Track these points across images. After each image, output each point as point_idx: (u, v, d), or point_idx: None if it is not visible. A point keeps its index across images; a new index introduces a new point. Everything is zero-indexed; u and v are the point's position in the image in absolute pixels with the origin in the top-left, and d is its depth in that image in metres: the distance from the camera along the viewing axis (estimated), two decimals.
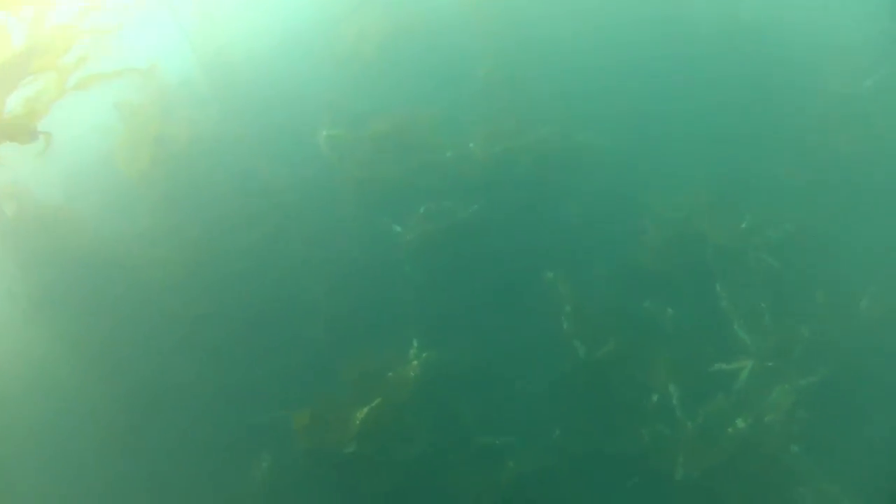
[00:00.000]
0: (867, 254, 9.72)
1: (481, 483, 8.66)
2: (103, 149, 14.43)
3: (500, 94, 12.98)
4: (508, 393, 9.41)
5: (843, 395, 8.65)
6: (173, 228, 12.46)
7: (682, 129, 11.43)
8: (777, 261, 9.68)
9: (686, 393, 8.82)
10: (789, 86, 11.93)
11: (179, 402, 10.01)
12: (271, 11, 16.58)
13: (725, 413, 8.66)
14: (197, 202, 12.88)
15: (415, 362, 9.73)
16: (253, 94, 14.74)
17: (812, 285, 9.48)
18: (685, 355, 9.09)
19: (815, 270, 9.64)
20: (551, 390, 9.30)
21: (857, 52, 12.19)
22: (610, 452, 8.63)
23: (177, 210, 12.85)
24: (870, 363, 8.88)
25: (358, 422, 9.16)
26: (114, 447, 9.79)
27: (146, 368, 10.57)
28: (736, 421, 8.57)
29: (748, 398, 8.71)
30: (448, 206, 11.65)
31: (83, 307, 11.82)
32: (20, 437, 10.38)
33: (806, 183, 10.61)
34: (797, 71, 12.13)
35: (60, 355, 11.40)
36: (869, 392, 8.73)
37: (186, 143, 13.98)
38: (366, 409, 9.22)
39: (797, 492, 8.16)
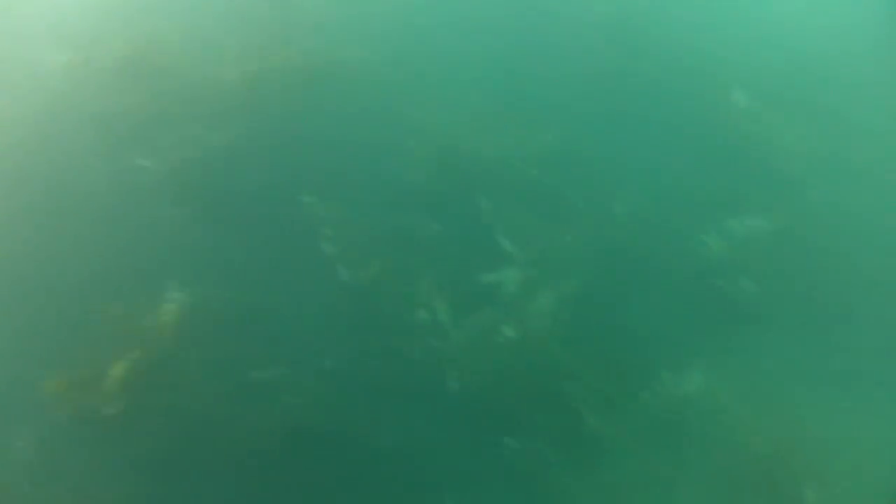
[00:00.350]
0: (621, 163, 9.99)
1: (257, 423, 7.63)
2: None
3: (254, 4, 11.71)
4: (273, 327, 8.41)
5: (603, 296, 8.75)
6: None
7: (446, 44, 11.03)
8: (539, 171, 9.61)
9: (453, 307, 8.44)
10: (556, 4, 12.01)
11: None
12: None
13: (493, 323, 8.39)
14: None
15: (172, 306, 8.37)
16: None
17: (573, 191, 9.51)
18: (451, 270, 8.70)
19: (576, 180, 9.71)
20: (318, 319, 8.45)
21: None
22: (382, 373, 8.01)
23: None
24: (626, 264, 9.10)
25: (118, 378, 7.66)
26: None
27: None
28: (503, 329, 8.32)
29: (514, 306, 8.52)
30: (199, 135, 10.24)
31: None
32: None
33: (569, 97, 10.71)
34: None
35: None
36: (626, 291, 8.95)
37: None
38: (125, 363, 7.75)
39: (565, 387, 8.12)
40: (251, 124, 10.27)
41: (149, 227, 9.31)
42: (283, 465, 7.18)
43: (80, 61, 11.02)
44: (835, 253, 9.70)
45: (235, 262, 8.94)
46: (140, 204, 9.52)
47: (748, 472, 7.75)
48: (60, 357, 7.90)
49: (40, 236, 9.05)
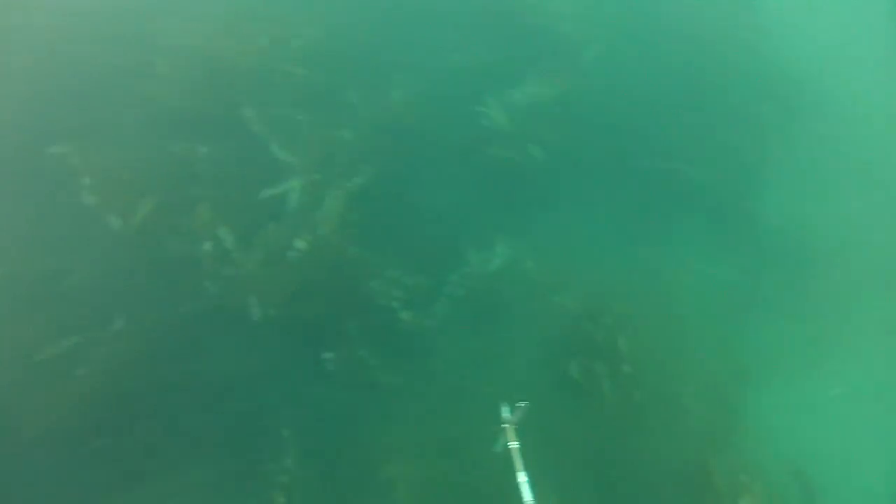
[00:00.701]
0: (394, 49, 9.64)
1: (54, 405, 7.16)
2: None
3: None
4: (52, 298, 7.76)
5: (391, 188, 8.68)
6: None
7: None
8: (305, 69, 9.09)
9: (239, 231, 8.11)
10: None
11: None
12: None
13: (284, 238, 8.18)
14: None
15: None
16: None
17: (344, 85, 9.13)
18: (228, 192, 8.27)
19: (346, 72, 9.28)
20: (98, 278, 7.88)
21: None
22: (178, 319, 7.68)
23: None
24: (410, 152, 9.01)
25: None
26: None
27: None
28: (295, 243, 8.14)
29: (302, 217, 8.31)
30: None
31: None
32: None
33: None
34: None
35: None
36: (416, 178, 8.92)
37: None
38: None
39: (372, 287, 8.16)
40: None
41: None
42: (85, 443, 6.85)
43: None
44: (615, 112, 10.02)
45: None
46: None
47: (566, 330, 8.22)
48: None
49: None
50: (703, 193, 9.68)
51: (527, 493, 5.58)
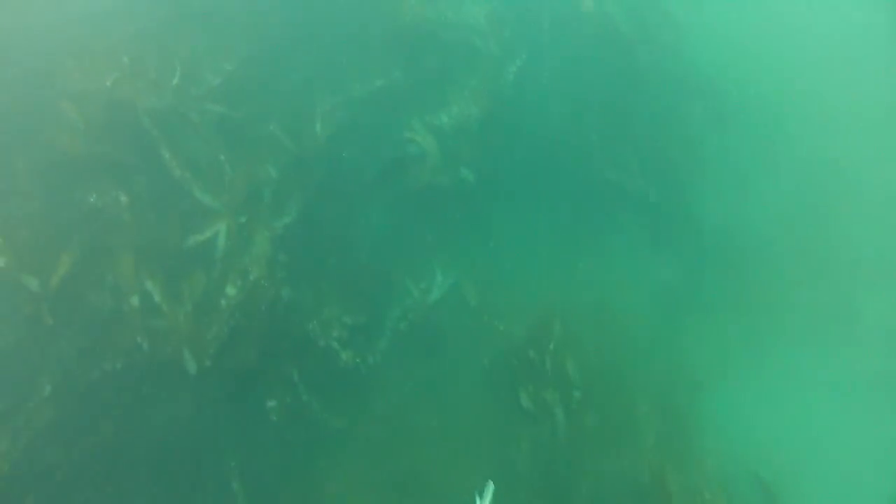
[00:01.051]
0: (312, 77, 9.43)
1: None
2: None
3: None
4: None
5: (321, 225, 8.62)
6: None
7: None
8: (222, 106, 8.83)
9: (166, 282, 7.91)
10: None
11: None
12: None
13: (213, 286, 8.05)
14: None
15: None
16: None
17: (265, 118, 8.94)
18: (152, 241, 8.04)
19: (266, 105, 9.07)
20: (23, 346, 7.58)
21: None
22: (110, 382, 7.52)
23: None
24: (338, 183, 8.94)
25: None
26: None
27: None
28: (226, 289, 8.03)
29: (230, 261, 8.19)
30: None
31: None
32: None
33: (247, 15, 9.68)
34: None
35: None
36: (346, 213, 8.87)
37: None
38: None
39: (309, 329, 8.17)
40: None
41: None
42: None
43: None
44: (543, 126, 10.15)
45: None
46: None
47: (513, 358, 8.45)
48: None
49: None
50: (638, 200, 10.00)
51: None
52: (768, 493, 8.08)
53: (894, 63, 12.60)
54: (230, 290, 7.98)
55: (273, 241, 8.30)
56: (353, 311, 8.29)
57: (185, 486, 7.17)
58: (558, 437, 7.92)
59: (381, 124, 9.26)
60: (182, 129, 8.53)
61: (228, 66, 8.97)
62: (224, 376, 7.83)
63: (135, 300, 7.76)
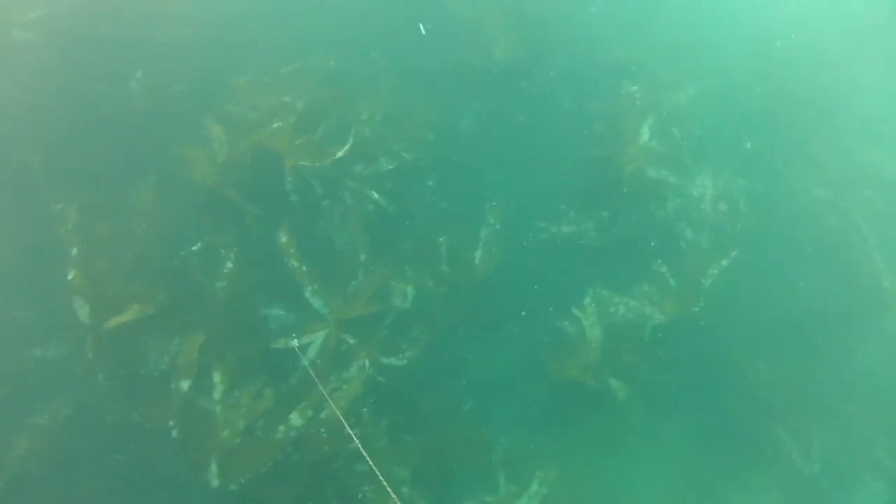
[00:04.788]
0: (502, 192, 7.72)
1: None
2: None
3: None
4: None
5: (420, 382, 6.99)
6: None
7: None
8: (384, 198, 7.28)
9: (229, 380, 6.46)
10: None
11: None
12: None
13: (278, 406, 6.54)
14: None
15: None
16: None
17: (427, 228, 7.34)
18: (235, 326, 6.62)
19: (433, 210, 7.47)
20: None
21: None
22: (121, 461, 6.20)
23: None
24: (471, 331, 7.27)
25: None
26: None
27: None
28: (290, 417, 6.52)
29: (310, 387, 6.64)
30: None
31: None
32: None
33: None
34: None
35: None
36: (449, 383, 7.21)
37: None
38: None
39: (361, 495, 6.60)
40: None
41: None
42: None
43: None
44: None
45: None
46: None
47: None
48: None
49: None
50: None
51: None
52: None
53: None
54: (295, 420, 6.45)
55: (367, 383, 6.68)
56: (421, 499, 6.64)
57: None
58: None
59: (550, 283, 7.48)
60: (325, 207, 6.97)
61: (406, 154, 7.31)
62: None
63: (185, 384, 6.31)
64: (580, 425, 7.40)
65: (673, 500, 7.61)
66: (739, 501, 7.80)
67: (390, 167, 7.12)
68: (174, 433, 6.37)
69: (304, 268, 6.63)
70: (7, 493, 6.00)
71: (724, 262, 8.17)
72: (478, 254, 7.41)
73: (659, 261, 7.97)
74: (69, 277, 6.28)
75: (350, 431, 6.13)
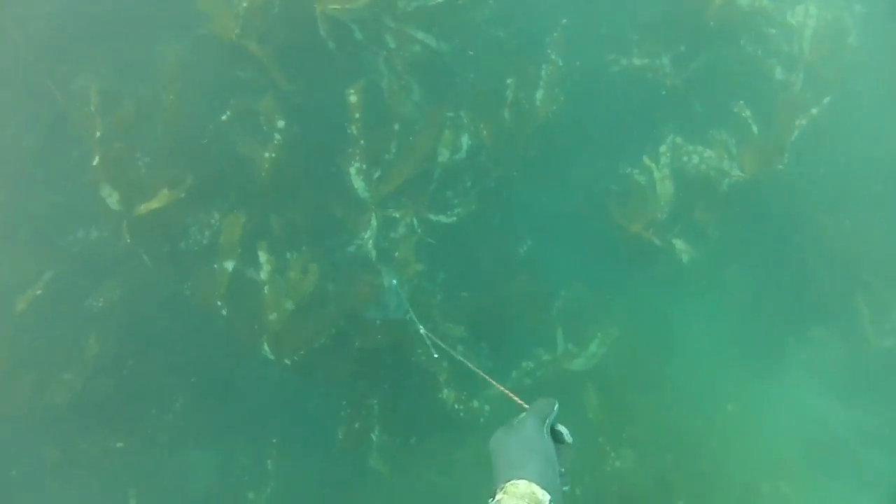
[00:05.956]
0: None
1: None
2: None
3: None
4: None
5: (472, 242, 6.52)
6: None
7: None
8: (431, 38, 6.44)
9: (276, 257, 6.15)
10: None
11: None
12: None
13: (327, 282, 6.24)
14: None
15: None
16: None
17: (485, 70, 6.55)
18: (280, 203, 6.24)
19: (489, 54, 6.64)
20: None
21: None
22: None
23: None
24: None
25: None
26: None
27: None
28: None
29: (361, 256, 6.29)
30: None
31: None
32: None
33: None
34: None
35: None
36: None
37: None
38: None
39: (414, 358, 6.40)
40: None
41: None
42: None
43: None
44: None
45: None
46: None
47: None
48: None
49: None
50: None
51: None
52: None
53: None
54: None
55: (418, 248, 6.27)
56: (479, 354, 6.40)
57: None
58: None
59: (617, 126, 6.78)
60: (364, 54, 6.23)
61: None
62: (302, 381, 6.33)
63: (229, 264, 6.02)
64: (645, 283, 6.89)
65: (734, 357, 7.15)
66: (798, 353, 7.35)
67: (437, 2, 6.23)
68: (224, 311, 6.13)
69: (353, 130, 6.01)
70: (90, 378, 5.96)
71: (815, 111, 7.09)
72: (539, 94, 6.63)
73: (741, 102, 6.98)
74: (94, 164, 5.86)
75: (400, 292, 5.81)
